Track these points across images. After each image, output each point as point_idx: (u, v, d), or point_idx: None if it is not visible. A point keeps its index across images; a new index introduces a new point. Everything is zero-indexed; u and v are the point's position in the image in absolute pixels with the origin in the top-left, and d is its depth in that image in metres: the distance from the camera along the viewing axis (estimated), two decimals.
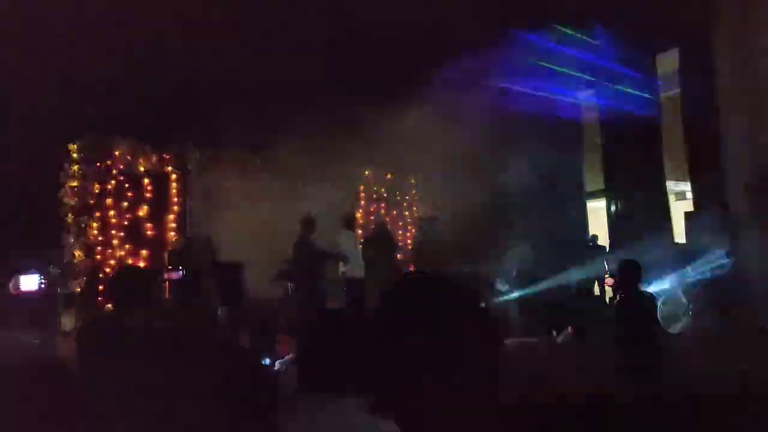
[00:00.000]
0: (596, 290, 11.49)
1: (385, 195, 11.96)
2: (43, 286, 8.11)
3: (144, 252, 9.20)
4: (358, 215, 11.54)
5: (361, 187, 11.72)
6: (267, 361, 5.59)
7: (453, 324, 0.99)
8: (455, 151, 9.31)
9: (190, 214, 9.91)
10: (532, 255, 11.13)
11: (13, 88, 8.63)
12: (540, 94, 10.63)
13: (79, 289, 8.48)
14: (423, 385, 0.98)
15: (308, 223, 8.36)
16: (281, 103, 9.03)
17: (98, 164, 8.95)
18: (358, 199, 11.69)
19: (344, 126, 9.00)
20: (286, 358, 5.72)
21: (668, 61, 11.41)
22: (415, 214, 11.90)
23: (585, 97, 12.42)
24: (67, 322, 8.42)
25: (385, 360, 1.02)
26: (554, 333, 8.66)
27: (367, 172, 11.68)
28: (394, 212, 11.92)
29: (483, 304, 1.05)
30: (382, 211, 11.87)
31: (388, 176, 11.97)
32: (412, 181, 12.12)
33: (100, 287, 8.66)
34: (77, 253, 8.54)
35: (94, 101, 9.37)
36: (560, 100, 11.07)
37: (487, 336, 1.02)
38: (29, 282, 8.02)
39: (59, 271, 8.29)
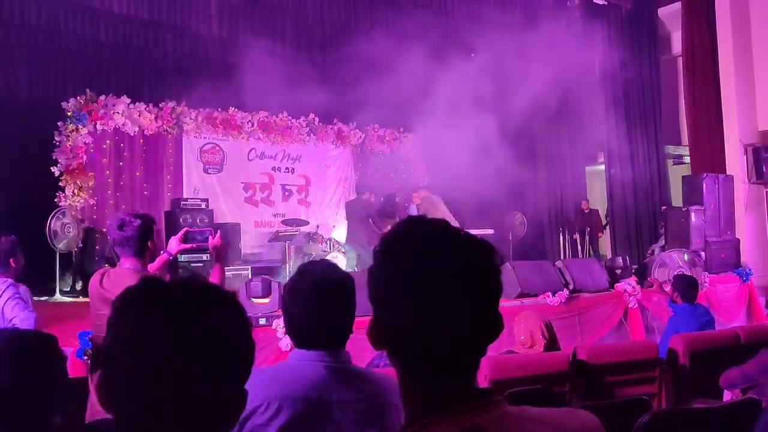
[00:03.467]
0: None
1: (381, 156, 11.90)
2: None
3: (140, 212, 9.19)
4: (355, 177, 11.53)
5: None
6: (264, 319, 5.64)
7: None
8: (451, 110, 9.23)
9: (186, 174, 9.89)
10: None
11: (7, 47, 8.51)
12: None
13: (76, 249, 8.47)
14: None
15: None
16: (279, 62, 8.91)
17: (93, 123, 8.86)
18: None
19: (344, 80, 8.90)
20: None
21: (670, 21, 11.28)
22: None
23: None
24: (65, 282, 8.45)
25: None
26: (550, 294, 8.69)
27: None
28: (391, 174, 11.87)
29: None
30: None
31: (386, 138, 11.89)
32: (410, 142, 12.03)
33: (96, 247, 8.67)
34: (73, 213, 8.50)
35: (88, 60, 9.27)
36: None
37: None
38: None
39: (56, 231, 8.26)
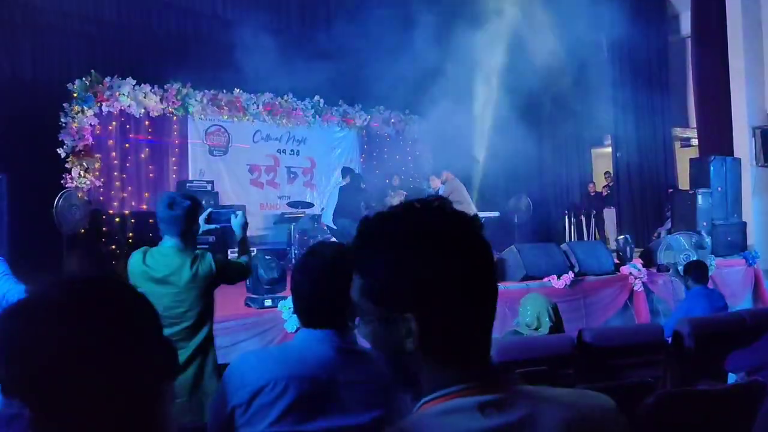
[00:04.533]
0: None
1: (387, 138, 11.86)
2: None
3: (146, 194, 9.20)
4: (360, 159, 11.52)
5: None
6: (269, 301, 5.65)
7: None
8: (457, 92, 9.18)
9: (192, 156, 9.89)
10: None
11: (12, 28, 8.48)
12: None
13: (83, 231, 8.50)
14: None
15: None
16: (284, 43, 8.86)
17: (98, 105, 8.85)
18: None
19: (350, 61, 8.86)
20: (290, 299, 5.77)
21: (678, 2, 11.15)
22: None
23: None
24: (72, 263, 8.49)
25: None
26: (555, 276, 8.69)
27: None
28: (397, 156, 11.85)
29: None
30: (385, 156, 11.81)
31: (392, 120, 11.85)
32: (416, 125, 11.99)
33: (103, 228, 8.71)
34: (79, 194, 8.52)
35: (94, 41, 9.23)
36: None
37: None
38: None
39: (62, 212, 8.28)
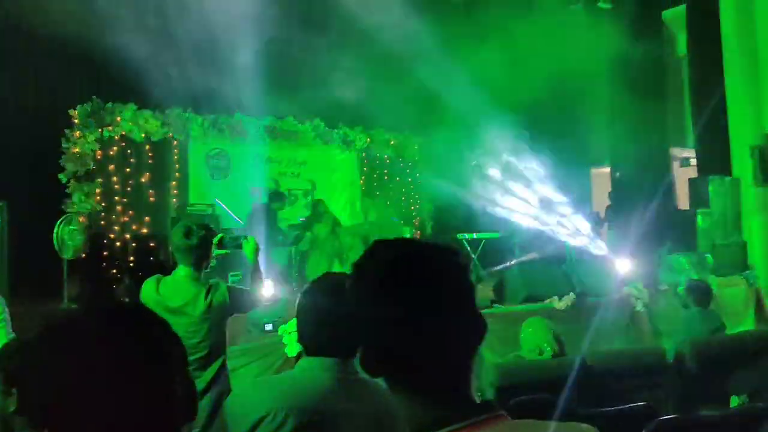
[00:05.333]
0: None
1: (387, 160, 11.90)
2: None
3: (146, 218, 9.21)
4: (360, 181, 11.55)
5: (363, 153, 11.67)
6: (270, 326, 5.64)
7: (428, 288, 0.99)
8: (456, 113, 9.24)
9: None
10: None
11: (14, 54, 8.55)
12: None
13: (83, 255, 8.50)
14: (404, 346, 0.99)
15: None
16: (282, 66, 8.94)
17: (100, 130, 8.91)
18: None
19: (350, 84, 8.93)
20: (290, 322, 5.74)
21: (673, 22, 11.25)
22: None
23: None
24: (73, 288, 8.48)
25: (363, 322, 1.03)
26: (556, 298, 8.67)
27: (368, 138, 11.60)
28: (397, 179, 11.88)
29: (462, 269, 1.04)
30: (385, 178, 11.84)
31: (392, 142, 11.90)
32: (416, 147, 12.03)
33: (104, 253, 8.72)
34: (80, 219, 8.54)
35: (95, 67, 9.30)
36: None
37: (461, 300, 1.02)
38: None
39: (63, 237, 8.29)
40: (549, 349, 3.68)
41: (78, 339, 0.89)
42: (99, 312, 0.95)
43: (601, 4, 11.12)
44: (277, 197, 9.32)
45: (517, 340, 3.97)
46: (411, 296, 0.97)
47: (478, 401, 1.02)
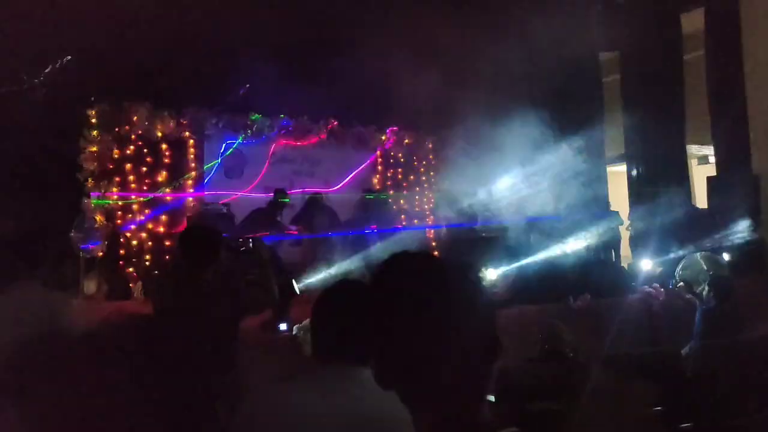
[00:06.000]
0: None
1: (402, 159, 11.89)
2: None
3: (162, 217, 9.28)
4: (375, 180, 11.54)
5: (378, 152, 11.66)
6: (284, 325, 5.65)
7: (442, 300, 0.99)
8: (470, 112, 9.19)
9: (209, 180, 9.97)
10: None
11: (32, 53, 8.64)
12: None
13: (100, 254, 8.59)
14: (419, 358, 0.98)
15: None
16: (299, 65, 8.95)
17: (117, 129, 8.99)
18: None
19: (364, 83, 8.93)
20: (304, 322, 5.76)
21: (693, 21, 11.12)
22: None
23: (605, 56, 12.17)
24: (90, 286, 8.57)
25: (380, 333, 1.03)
26: (571, 298, 8.63)
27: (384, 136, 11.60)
28: (411, 177, 11.88)
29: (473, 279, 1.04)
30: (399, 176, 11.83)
31: (407, 140, 11.89)
32: (430, 145, 12.02)
33: (121, 251, 8.79)
34: (98, 218, 8.63)
35: (112, 67, 9.38)
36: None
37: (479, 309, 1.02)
38: None
39: (81, 235, 8.38)
40: (561, 346, 3.66)
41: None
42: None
43: None
44: (281, 195, 9.23)
45: (533, 340, 3.94)
46: (426, 310, 0.97)
47: (489, 415, 1.01)
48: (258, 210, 8.84)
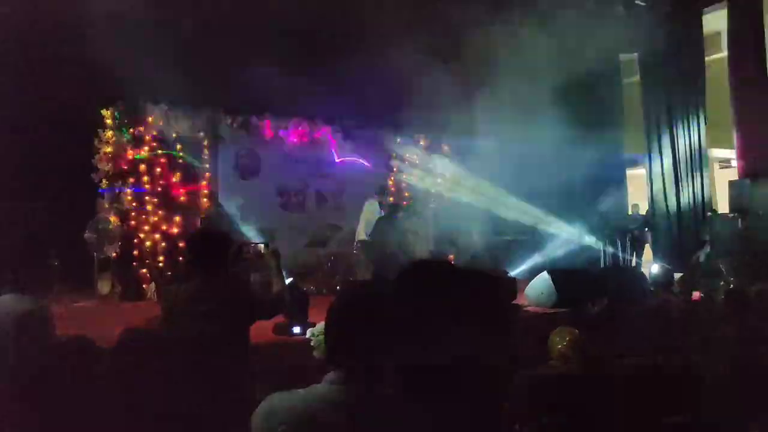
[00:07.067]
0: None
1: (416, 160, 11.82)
2: None
3: (177, 218, 9.27)
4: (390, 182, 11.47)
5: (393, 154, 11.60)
6: (298, 329, 5.60)
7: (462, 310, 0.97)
8: (488, 114, 9.10)
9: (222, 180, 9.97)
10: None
11: (46, 54, 8.68)
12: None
13: (114, 254, 8.60)
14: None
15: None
16: (314, 68, 8.91)
17: (131, 130, 9.00)
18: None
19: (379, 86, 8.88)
20: (318, 326, 5.71)
21: (714, 21, 10.96)
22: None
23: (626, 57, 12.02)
24: (104, 286, 8.60)
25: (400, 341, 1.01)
26: (590, 303, 8.49)
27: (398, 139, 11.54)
28: (426, 179, 11.80)
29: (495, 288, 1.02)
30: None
31: (421, 142, 11.82)
32: (445, 147, 11.95)
33: (135, 252, 8.80)
34: (112, 218, 8.64)
35: (127, 67, 9.40)
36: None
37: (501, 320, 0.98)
38: None
39: (95, 236, 8.41)
40: (577, 354, 3.56)
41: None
42: None
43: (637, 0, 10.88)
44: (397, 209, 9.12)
45: (548, 345, 3.85)
46: (445, 318, 0.97)
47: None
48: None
